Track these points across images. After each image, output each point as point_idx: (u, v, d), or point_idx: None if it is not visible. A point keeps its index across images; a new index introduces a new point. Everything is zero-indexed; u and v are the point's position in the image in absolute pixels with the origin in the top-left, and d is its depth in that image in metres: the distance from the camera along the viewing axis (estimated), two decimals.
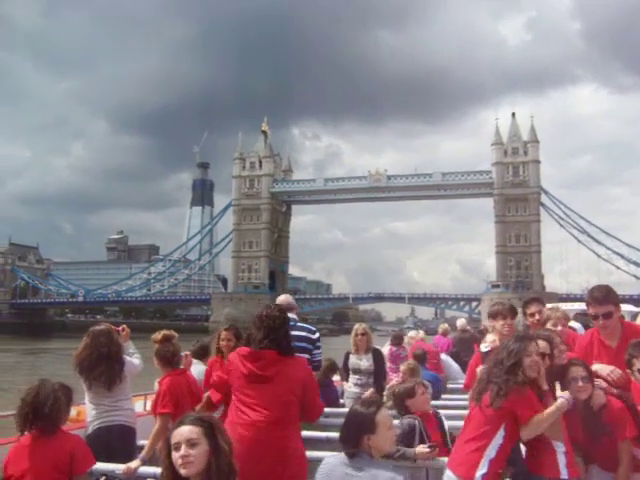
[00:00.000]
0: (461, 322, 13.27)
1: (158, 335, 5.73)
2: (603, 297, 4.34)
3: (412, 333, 11.22)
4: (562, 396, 3.77)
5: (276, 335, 4.15)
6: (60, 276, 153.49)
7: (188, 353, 6.20)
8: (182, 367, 5.71)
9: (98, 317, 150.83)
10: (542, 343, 4.05)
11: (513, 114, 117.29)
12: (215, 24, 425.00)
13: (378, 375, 7.66)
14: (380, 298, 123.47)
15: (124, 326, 5.88)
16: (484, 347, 5.43)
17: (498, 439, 3.67)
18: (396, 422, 4.35)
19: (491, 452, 3.65)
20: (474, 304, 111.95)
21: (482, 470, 3.62)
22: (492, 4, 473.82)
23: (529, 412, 3.66)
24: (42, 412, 3.82)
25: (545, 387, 3.81)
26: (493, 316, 5.43)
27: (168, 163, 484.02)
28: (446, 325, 13.47)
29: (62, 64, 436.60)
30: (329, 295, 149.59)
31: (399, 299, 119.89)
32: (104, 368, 5.22)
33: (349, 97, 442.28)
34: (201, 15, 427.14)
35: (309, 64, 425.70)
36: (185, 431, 2.53)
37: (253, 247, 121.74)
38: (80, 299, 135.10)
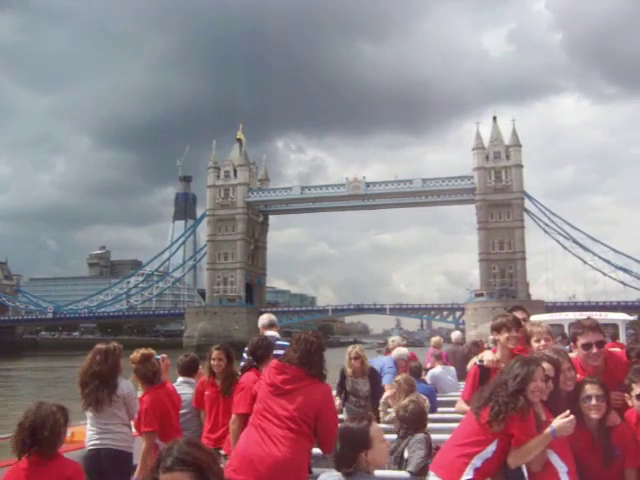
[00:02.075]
0: (456, 335, 13.97)
1: (137, 355, 5.65)
2: (596, 325, 4.37)
3: (396, 338, 10.52)
4: (551, 426, 3.63)
5: (310, 359, 4.29)
6: (38, 292, 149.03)
7: (165, 356, 6.33)
8: (162, 379, 5.77)
9: (74, 334, 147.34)
10: (546, 365, 3.95)
11: (494, 118, 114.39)
12: (197, 38, 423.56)
13: (374, 397, 7.49)
14: (360, 310, 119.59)
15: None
16: (480, 362, 5.12)
17: (488, 452, 3.65)
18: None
19: (477, 462, 3.63)
20: (458, 314, 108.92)
21: (467, 476, 3.61)
22: (474, 16, 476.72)
23: (525, 437, 3.62)
24: (41, 435, 3.73)
25: (543, 418, 3.73)
26: (497, 329, 5.06)
27: (152, 178, 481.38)
28: (438, 337, 13.35)
29: (43, 80, 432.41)
30: (312, 308, 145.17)
31: (380, 310, 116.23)
32: (93, 387, 5.25)
33: (333, 110, 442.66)
34: (182, 29, 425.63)
35: (292, 77, 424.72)
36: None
37: (228, 259, 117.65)
38: (49, 316, 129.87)
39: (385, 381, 8.81)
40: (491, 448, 3.65)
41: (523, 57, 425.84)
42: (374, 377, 7.66)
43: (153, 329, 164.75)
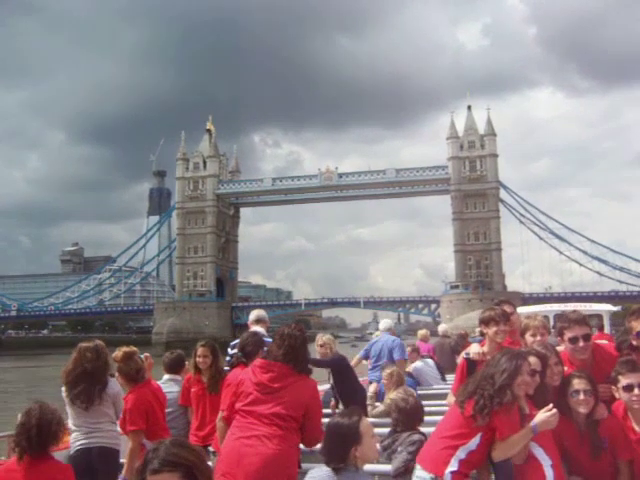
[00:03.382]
0: (442, 328, 14.23)
1: (119, 353, 5.62)
2: (582, 319, 4.39)
3: (382, 325, 10.30)
4: (533, 421, 3.67)
5: (295, 354, 4.28)
6: (7, 290, 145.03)
7: (148, 355, 6.29)
8: (145, 377, 5.71)
9: (43, 332, 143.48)
10: (533, 359, 4.01)
11: (469, 107, 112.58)
12: (171, 30, 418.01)
13: (339, 387, 7.24)
14: (334, 303, 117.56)
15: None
16: (466, 355, 5.17)
17: (472, 444, 3.68)
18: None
19: (461, 453, 3.67)
20: (433, 306, 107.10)
21: (452, 468, 3.65)
22: (449, 10, 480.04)
23: (508, 431, 3.64)
24: (47, 433, 3.77)
25: (527, 411, 3.77)
26: (485, 322, 5.02)
27: (128, 173, 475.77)
28: (424, 331, 13.27)
29: (15, 74, 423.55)
30: (285, 302, 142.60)
31: (354, 303, 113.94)
32: (85, 386, 5.19)
33: (310, 104, 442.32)
34: (155, 21, 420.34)
35: (269, 70, 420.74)
36: None
37: (198, 252, 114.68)
38: (13, 313, 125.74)
39: (396, 356, 9.09)
40: (475, 441, 3.68)
41: (498, 51, 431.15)
42: (336, 367, 7.36)
43: (125, 326, 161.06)
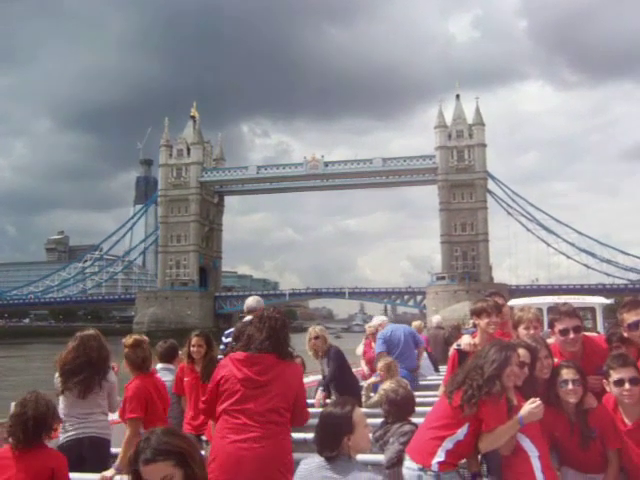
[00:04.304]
0: (436, 319, 15.06)
1: (129, 339, 5.67)
2: (572, 310, 4.44)
3: (373, 324, 10.41)
4: (519, 414, 3.68)
5: (277, 337, 4.16)
6: None
7: None
8: (150, 369, 5.73)
9: (25, 321, 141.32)
10: (522, 351, 4.03)
11: (457, 96, 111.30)
12: (160, 17, 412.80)
13: (332, 377, 7.23)
14: (319, 294, 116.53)
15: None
16: (457, 346, 5.32)
17: (459, 435, 3.69)
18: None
19: (448, 444, 3.68)
20: (419, 297, 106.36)
21: (439, 458, 3.67)
22: (440, 1, 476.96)
23: (495, 423, 3.65)
24: (44, 424, 3.79)
25: (515, 403, 3.79)
26: (477, 314, 5.13)
27: (115, 161, 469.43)
28: (419, 322, 13.36)
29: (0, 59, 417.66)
30: (269, 292, 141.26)
31: (339, 294, 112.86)
32: (86, 375, 5.15)
33: (299, 94, 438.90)
34: (143, 7, 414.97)
35: (259, 60, 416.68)
36: (158, 470, 2.29)
37: (181, 241, 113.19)
38: None
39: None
40: (462, 431, 3.68)
41: (488, 43, 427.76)
42: (336, 356, 7.33)
43: (109, 315, 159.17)
